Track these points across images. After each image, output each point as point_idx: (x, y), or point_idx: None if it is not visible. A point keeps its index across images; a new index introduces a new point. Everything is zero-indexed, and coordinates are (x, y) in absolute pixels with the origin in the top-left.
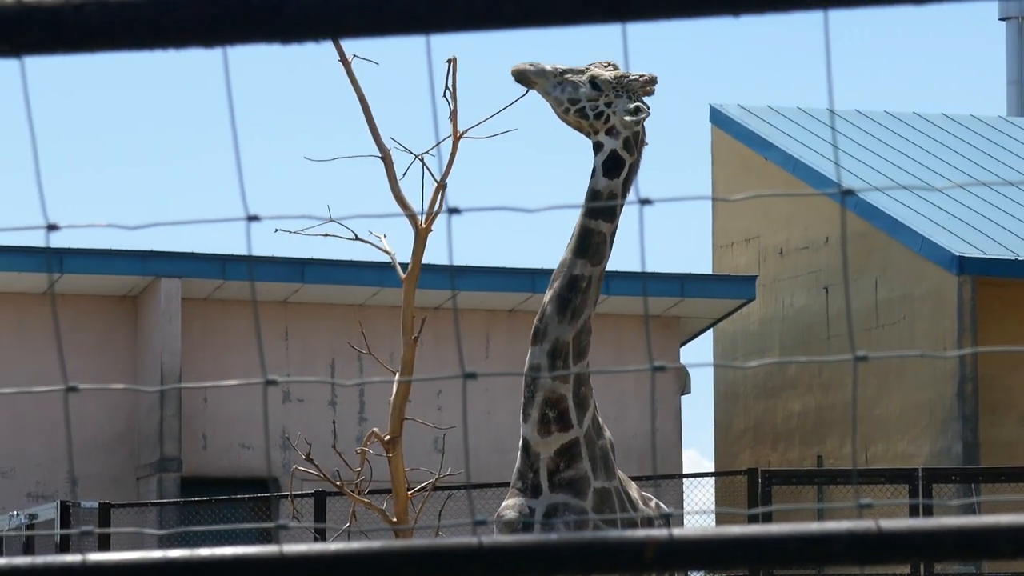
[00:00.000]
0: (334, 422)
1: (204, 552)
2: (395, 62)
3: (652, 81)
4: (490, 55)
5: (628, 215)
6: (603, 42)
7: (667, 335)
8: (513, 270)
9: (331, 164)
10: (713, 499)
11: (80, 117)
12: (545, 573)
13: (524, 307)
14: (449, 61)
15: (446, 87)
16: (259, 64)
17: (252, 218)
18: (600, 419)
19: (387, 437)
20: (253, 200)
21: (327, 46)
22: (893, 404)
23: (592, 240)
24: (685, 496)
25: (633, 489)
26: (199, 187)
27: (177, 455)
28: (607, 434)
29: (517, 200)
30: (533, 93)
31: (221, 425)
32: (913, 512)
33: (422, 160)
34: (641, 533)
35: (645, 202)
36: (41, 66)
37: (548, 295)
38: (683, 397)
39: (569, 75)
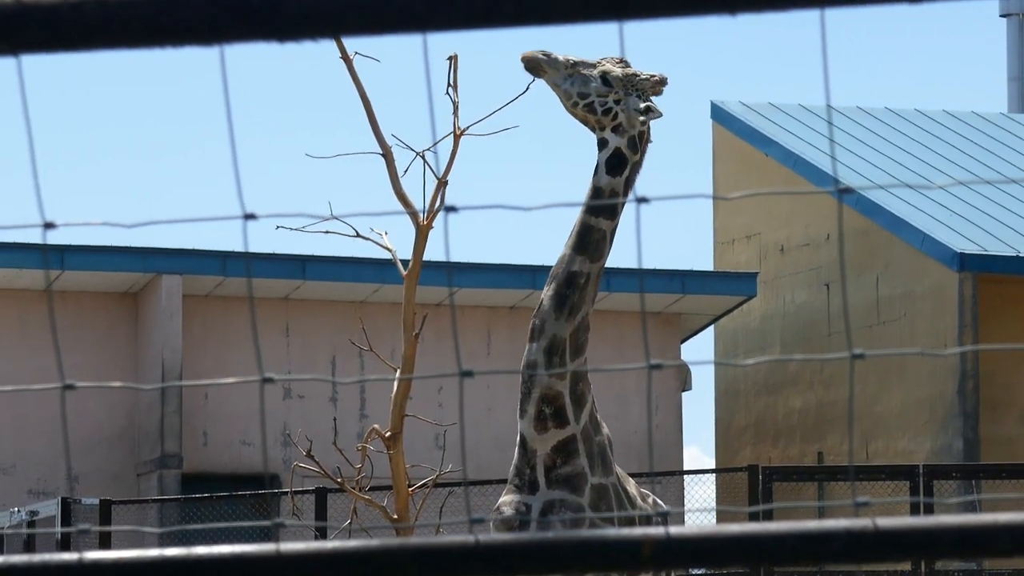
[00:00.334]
0: (335, 419)
1: (201, 550)
2: (396, 59)
3: (662, 82)
4: (492, 52)
5: (628, 212)
6: (605, 39)
7: (668, 332)
8: (514, 267)
9: (332, 161)
10: (714, 496)
11: (80, 114)
12: (542, 571)
13: (525, 304)
14: (450, 58)
15: (448, 84)
16: (261, 60)
17: (249, 216)
18: (598, 415)
19: (388, 434)
20: (254, 197)
21: (328, 43)
22: (894, 401)
23: (592, 237)
24: (686, 493)
25: (631, 485)
26: (202, 183)
27: (178, 452)
28: (605, 430)
29: (520, 197)
30: (534, 90)
31: (222, 422)
32: (914, 509)
33: (423, 157)
34: (638, 531)
35: (642, 200)
36: (38, 63)
37: (546, 291)
38: (684, 394)
39: (580, 68)
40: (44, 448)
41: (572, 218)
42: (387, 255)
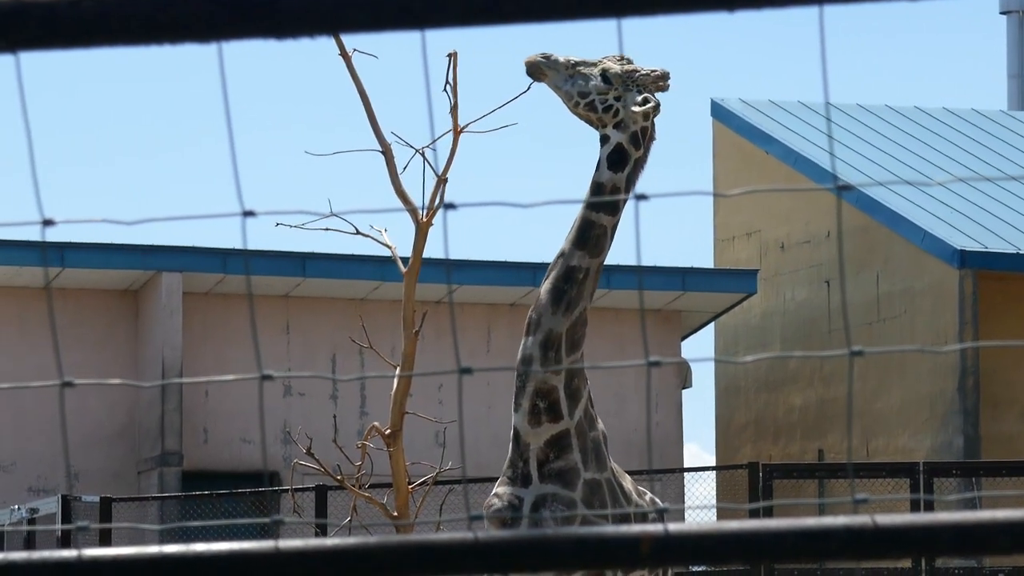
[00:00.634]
0: (335, 416)
1: (200, 547)
2: (395, 56)
3: (664, 77)
4: (491, 49)
5: (628, 210)
6: (606, 36)
7: (668, 329)
8: (514, 264)
9: (332, 158)
10: (714, 493)
11: (79, 111)
12: (540, 568)
13: (525, 301)
14: (449, 55)
15: (447, 81)
16: (260, 57)
17: (248, 213)
18: (594, 411)
19: (388, 431)
20: (254, 194)
21: (327, 40)
22: (894, 398)
23: (592, 232)
24: (686, 490)
25: (627, 481)
26: (201, 180)
27: (178, 449)
28: (600, 426)
29: (519, 194)
30: (535, 88)
31: (222, 419)
32: (914, 506)
33: (423, 154)
34: (637, 528)
35: (642, 197)
36: (36, 59)
37: (544, 286)
38: (684, 391)
39: (581, 68)
40: (44, 446)
41: (572, 216)
42: (387, 252)
